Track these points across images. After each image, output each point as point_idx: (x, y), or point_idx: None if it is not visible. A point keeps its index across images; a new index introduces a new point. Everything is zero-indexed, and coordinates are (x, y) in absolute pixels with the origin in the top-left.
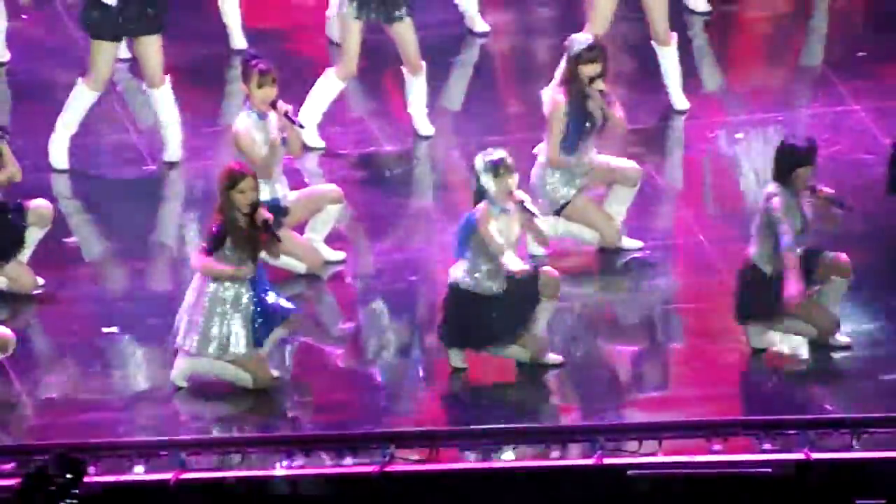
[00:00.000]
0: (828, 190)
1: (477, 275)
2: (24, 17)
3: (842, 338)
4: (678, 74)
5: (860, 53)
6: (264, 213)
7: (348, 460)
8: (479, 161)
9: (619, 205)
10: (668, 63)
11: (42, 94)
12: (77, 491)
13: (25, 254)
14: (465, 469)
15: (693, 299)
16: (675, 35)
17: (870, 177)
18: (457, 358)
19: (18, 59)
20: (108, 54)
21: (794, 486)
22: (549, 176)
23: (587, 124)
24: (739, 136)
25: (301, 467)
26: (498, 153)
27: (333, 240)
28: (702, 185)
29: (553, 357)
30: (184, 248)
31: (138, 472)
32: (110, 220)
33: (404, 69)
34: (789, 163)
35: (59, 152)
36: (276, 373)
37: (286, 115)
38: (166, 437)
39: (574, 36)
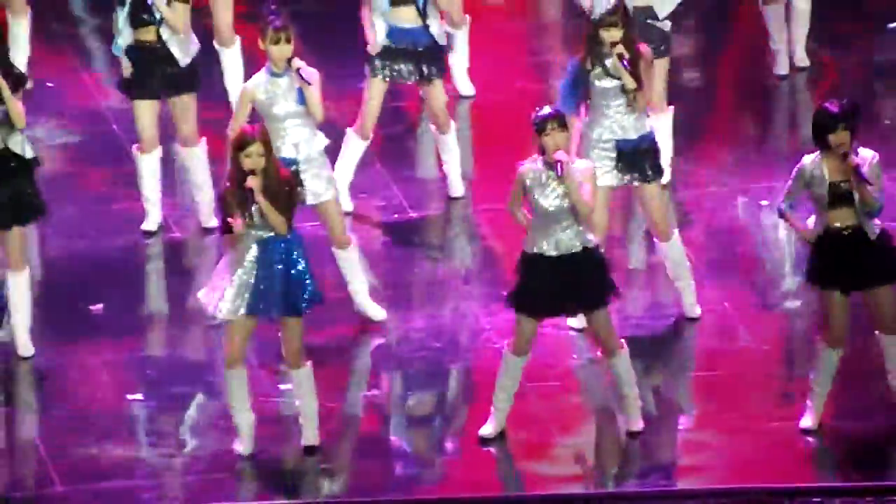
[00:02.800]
0: (857, 159)
1: (536, 237)
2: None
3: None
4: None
5: (886, 121)
6: (252, 182)
7: None
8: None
9: None
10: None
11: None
12: None
13: None
14: None
15: (717, 367)
16: (671, 107)
17: None
18: (490, 427)
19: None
20: (148, 113)
21: None
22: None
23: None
24: (764, 202)
25: None
26: (546, 109)
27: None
28: (725, 253)
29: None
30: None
31: None
32: (135, 286)
33: (433, 128)
34: (821, 127)
35: (153, 221)
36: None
37: (297, 72)
38: None
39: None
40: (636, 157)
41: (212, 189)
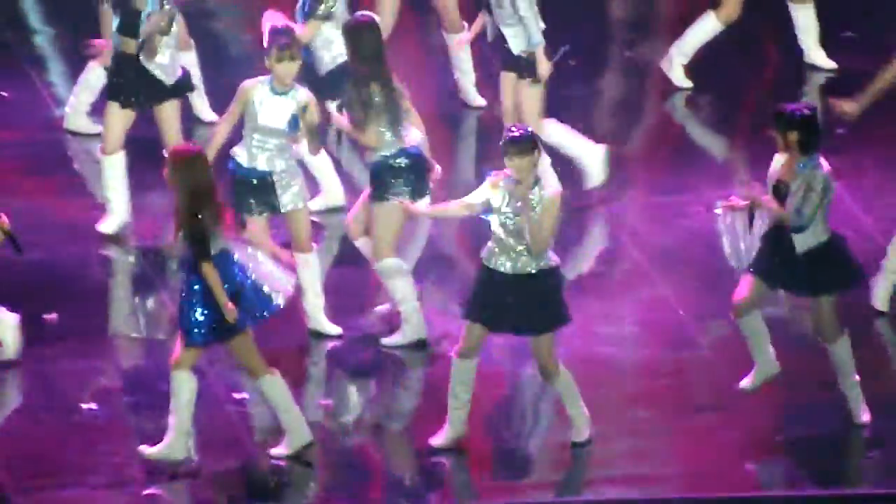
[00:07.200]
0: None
1: (491, 246)
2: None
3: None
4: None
5: (839, 130)
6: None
7: None
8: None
9: None
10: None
11: None
12: None
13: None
14: None
15: (672, 374)
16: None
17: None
18: (441, 438)
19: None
20: (120, 119)
21: None
22: None
23: None
24: (717, 210)
25: None
26: (518, 133)
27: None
28: (680, 261)
29: None
30: (163, 325)
31: None
32: (90, 296)
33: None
34: (811, 128)
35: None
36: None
37: None
38: None
39: None
40: None
41: None
